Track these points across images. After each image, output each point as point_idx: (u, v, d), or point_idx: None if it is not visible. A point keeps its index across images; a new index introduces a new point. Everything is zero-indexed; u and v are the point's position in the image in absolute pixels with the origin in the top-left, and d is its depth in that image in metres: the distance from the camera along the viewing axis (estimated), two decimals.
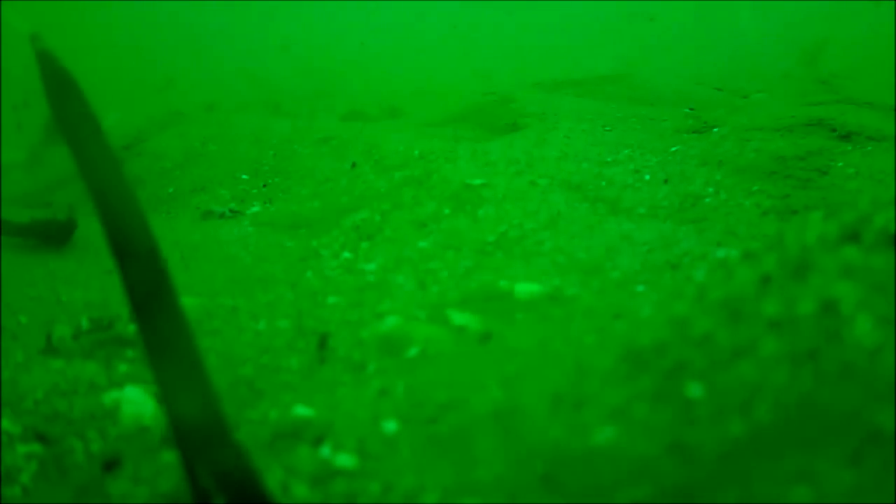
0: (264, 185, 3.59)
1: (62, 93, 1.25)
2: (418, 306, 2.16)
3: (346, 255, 2.64)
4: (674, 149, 3.41)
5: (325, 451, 1.47)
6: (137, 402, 1.71)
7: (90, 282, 2.62)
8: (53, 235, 3.05)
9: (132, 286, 1.19)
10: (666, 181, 3.04)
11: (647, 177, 3.09)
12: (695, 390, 1.14)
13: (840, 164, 3.12)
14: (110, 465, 1.52)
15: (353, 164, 3.49)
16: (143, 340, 1.21)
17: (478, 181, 3.00)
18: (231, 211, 3.40)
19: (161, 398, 1.20)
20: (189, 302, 2.24)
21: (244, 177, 3.69)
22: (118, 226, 1.20)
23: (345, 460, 1.43)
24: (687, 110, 4.30)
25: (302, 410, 1.64)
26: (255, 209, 3.38)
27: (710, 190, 2.95)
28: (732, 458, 1.02)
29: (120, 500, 1.42)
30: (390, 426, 1.52)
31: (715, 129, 3.67)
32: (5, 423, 1.67)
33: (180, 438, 1.19)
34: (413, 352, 1.88)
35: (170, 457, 1.50)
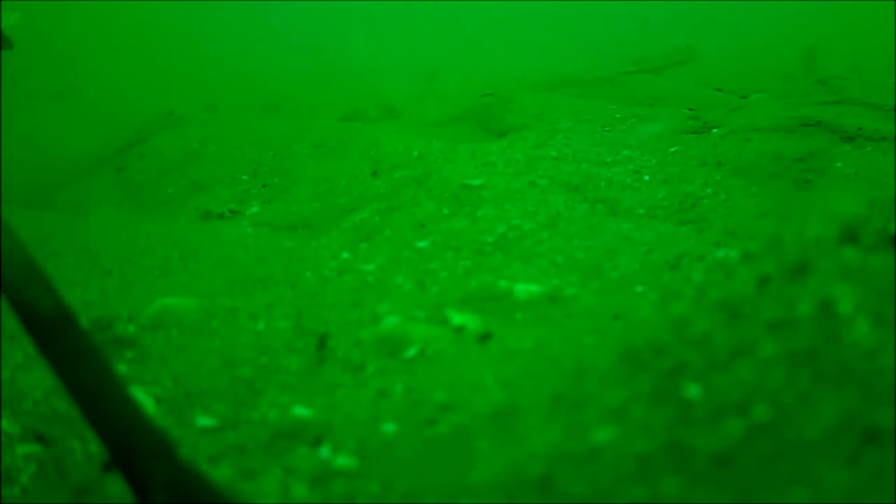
0: (263, 186, 3.58)
1: None
2: (417, 306, 2.16)
3: (346, 255, 2.64)
4: (673, 149, 3.42)
5: (325, 451, 1.47)
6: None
7: (89, 281, 2.62)
8: None
9: (28, 321, 1.20)
10: (665, 182, 3.04)
11: (647, 177, 3.09)
12: (693, 391, 1.14)
13: (839, 165, 3.12)
14: (110, 465, 1.52)
15: (354, 167, 3.49)
16: (53, 372, 1.21)
17: (477, 181, 3.00)
18: (230, 211, 3.40)
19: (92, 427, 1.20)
20: (188, 302, 2.24)
21: (243, 177, 3.69)
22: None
23: (344, 461, 1.43)
24: (686, 111, 4.30)
25: (301, 411, 1.64)
26: (255, 209, 3.38)
27: (710, 190, 2.95)
28: (731, 458, 1.02)
29: (119, 500, 1.42)
30: (389, 427, 1.52)
31: (714, 130, 3.67)
32: (4, 424, 1.67)
33: (119, 464, 1.19)
34: (412, 352, 1.88)
35: None
